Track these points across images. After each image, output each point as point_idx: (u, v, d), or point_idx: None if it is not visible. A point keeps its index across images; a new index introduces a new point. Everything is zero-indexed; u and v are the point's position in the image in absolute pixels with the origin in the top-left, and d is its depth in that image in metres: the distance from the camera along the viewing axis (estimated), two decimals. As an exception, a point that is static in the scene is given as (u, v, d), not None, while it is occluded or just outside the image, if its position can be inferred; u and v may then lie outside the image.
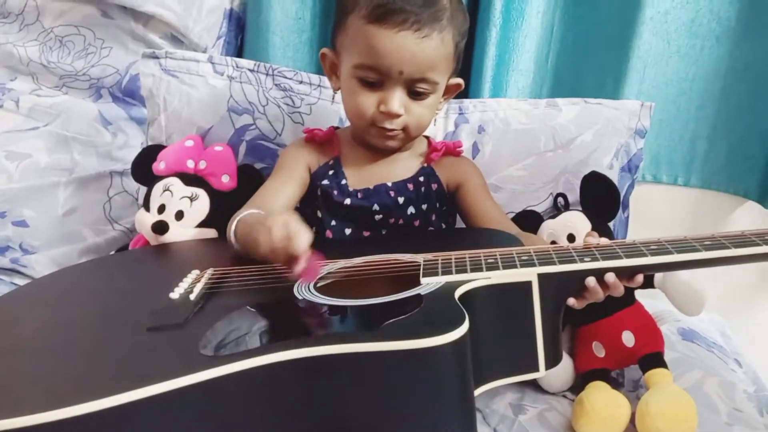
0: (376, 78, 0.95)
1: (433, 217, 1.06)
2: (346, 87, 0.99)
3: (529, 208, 1.22)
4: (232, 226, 0.94)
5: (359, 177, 1.05)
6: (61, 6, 1.40)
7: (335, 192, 1.02)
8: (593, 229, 1.06)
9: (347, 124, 1.12)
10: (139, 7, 1.36)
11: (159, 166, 1.13)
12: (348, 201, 1.02)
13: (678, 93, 1.44)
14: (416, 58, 0.92)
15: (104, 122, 1.39)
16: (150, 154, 1.16)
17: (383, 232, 1.04)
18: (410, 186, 1.04)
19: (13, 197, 1.31)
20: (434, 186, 1.06)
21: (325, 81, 1.25)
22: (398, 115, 0.96)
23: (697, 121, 1.45)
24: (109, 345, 0.69)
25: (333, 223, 1.03)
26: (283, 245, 0.76)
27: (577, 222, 1.08)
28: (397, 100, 0.95)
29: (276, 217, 0.79)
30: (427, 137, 1.14)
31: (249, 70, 1.24)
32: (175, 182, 1.11)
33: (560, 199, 1.19)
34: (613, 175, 1.20)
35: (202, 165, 1.13)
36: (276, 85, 1.24)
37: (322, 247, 0.92)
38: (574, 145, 1.22)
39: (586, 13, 1.43)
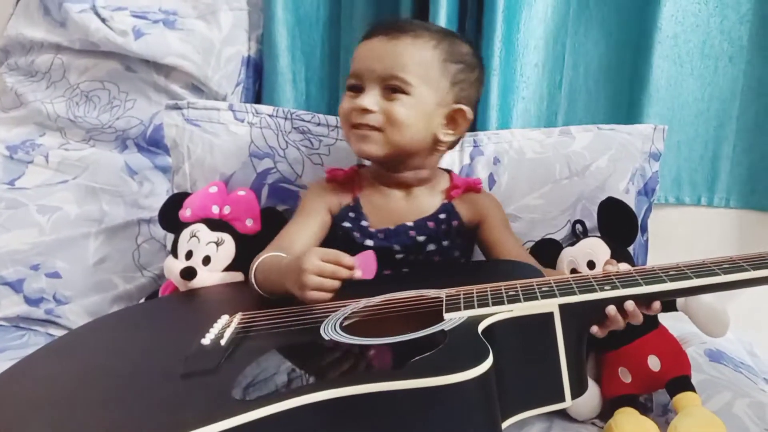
0: (355, 83, 1.02)
1: (456, 253, 1.07)
2: None
3: (547, 236, 1.23)
4: (253, 269, 0.96)
5: (380, 217, 1.06)
6: (86, 62, 1.45)
7: (357, 234, 1.04)
8: (613, 254, 1.06)
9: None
10: (161, 60, 1.41)
11: (185, 213, 1.16)
12: (370, 242, 1.03)
13: (695, 114, 1.44)
14: (384, 56, 1.00)
15: (130, 172, 1.43)
16: (176, 201, 1.19)
17: (403, 270, 1.05)
18: (431, 224, 1.05)
19: (46, 250, 1.35)
20: (455, 223, 1.07)
21: (342, 121, 1.28)
22: (368, 110, 0.99)
23: (717, 141, 1.46)
24: (143, 393, 0.70)
25: None
26: (337, 272, 0.83)
27: (596, 248, 1.09)
28: (369, 97, 1.00)
29: (309, 258, 0.84)
30: (449, 172, 1.16)
31: (268, 115, 1.27)
32: (201, 228, 1.13)
33: (578, 226, 1.20)
34: (630, 200, 1.21)
35: (227, 210, 1.15)
36: (295, 128, 1.27)
37: (343, 287, 0.95)
38: (589, 172, 1.23)
39: (597, 40, 1.44)
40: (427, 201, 1.09)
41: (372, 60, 1.00)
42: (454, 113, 1.05)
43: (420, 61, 1.00)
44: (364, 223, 1.05)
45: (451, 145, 1.10)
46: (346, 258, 0.84)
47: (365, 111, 0.99)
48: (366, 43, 1.03)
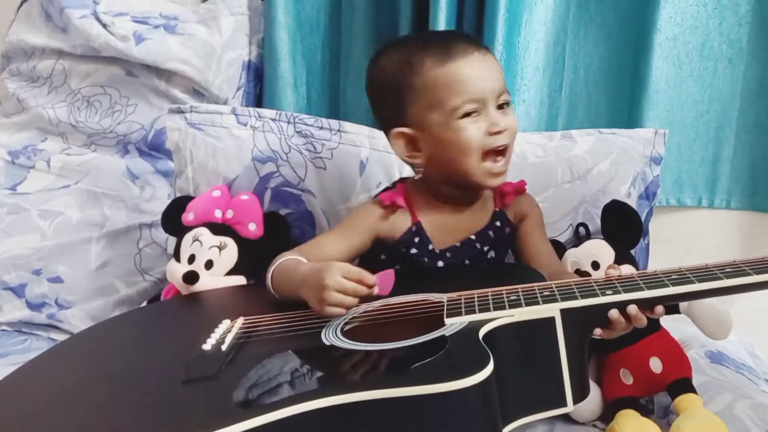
0: (477, 106, 0.94)
1: (507, 257, 1.08)
2: (450, 136, 0.96)
3: (551, 239, 1.23)
4: (271, 269, 0.95)
5: (443, 236, 1.03)
6: (87, 68, 1.46)
7: (426, 259, 1.02)
8: (616, 256, 1.07)
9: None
10: (162, 65, 1.41)
11: (188, 217, 1.16)
12: (441, 263, 1.02)
13: (695, 116, 1.45)
14: (496, 72, 0.97)
15: (132, 177, 1.43)
16: (179, 205, 1.19)
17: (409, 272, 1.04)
18: (491, 233, 1.05)
19: (48, 255, 1.35)
20: (508, 230, 1.06)
21: (345, 125, 1.28)
22: (504, 129, 0.95)
23: (717, 142, 1.46)
24: (145, 399, 0.71)
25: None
26: (359, 290, 0.82)
27: (600, 250, 1.09)
28: (498, 116, 0.95)
29: (331, 272, 0.83)
30: None
31: (271, 119, 1.27)
32: (203, 232, 1.13)
33: (581, 229, 1.20)
34: (631, 203, 1.21)
35: (230, 214, 1.15)
36: (297, 132, 1.27)
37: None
38: (591, 176, 1.23)
39: (597, 42, 1.45)
40: (482, 211, 1.07)
41: (490, 79, 0.95)
42: None
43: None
44: (430, 246, 1.02)
45: None
46: (368, 277, 0.83)
47: (503, 130, 0.95)
48: (466, 62, 0.94)
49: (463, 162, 0.96)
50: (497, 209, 1.07)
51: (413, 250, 1.02)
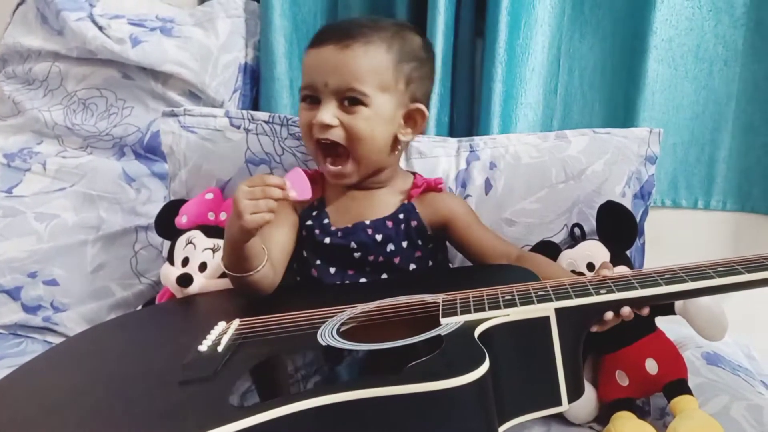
0: (310, 94, 1.00)
1: (417, 254, 1.06)
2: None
3: (545, 239, 1.23)
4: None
5: (341, 216, 1.06)
6: (83, 70, 1.46)
7: (317, 231, 1.04)
8: (611, 257, 1.07)
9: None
10: (158, 67, 1.41)
11: (181, 220, 1.16)
12: (328, 240, 1.04)
13: (690, 117, 1.45)
14: (338, 68, 0.97)
15: (128, 179, 1.43)
16: (172, 209, 1.19)
17: (367, 270, 1.04)
18: (389, 223, 1.05)
19: (43, 257, 1.35)
20: (414, 223, 1.05)
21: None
22: (327, 126, 0.98)
23: (713, 144, 1.46)
24: (141, 400, 0.71)
25: (318, 262, 1.05)
26: (267, 193, 0.85)
27: (595, 250, 1.09)
28: (327, 111, 0.98)
29: (239, 192, 0.86)
30: (414, 174, 1.15)
31: (264, 121, 1.27)
32: (197, 235, 1.13)
33: (576, 230, 1.20)
34: (626, 203, 1.21)
35: (223, 217, 1.16)
36: (291, 134, 1.27)
37: (338, 293, 0.94)
38: (585, 176, 1.23)
39: (592, 44, 1.45)
40: (387, 201, 1.08)
41: (325, 72, 0.98)
42: (412, 112, 1.05)
43: (375, 69, 0.99)
44: (325, 221, 1.05)
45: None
46: (271, 177, 0.86)
47: (326, 126, 0.98)
48: (316, 51, 1.00)
49: (306, 146, 1.06)
50: (406, 201, 1.08)
51: (308, 222, 1.06)
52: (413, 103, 1.05)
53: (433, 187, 1.10)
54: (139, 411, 0.68)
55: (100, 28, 1.41)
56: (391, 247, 1.04)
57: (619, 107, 1.44)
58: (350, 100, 0.98)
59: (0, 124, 1.50)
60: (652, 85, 1.41)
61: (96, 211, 1.40)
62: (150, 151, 1.45)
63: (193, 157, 1.26)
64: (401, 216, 1.06)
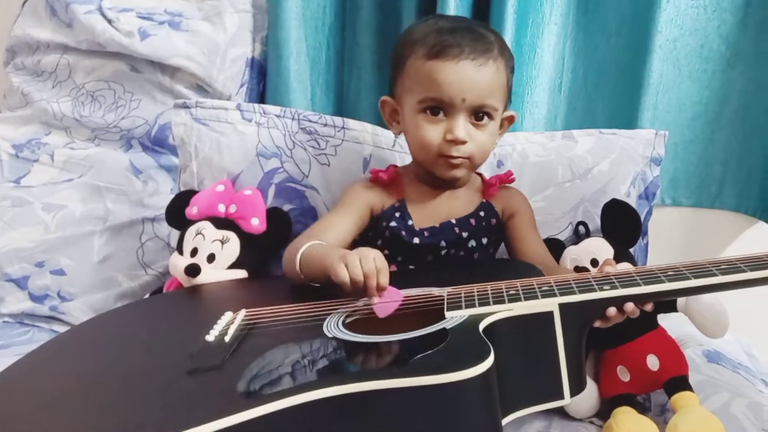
0: (440, 108, 1.00)
1: (491, 250, 1.10)
2: (411, 124, 1.04)
3: (551, 237, 1.24)
4: (299, 255, 0.96)
5: (424, 216, 1.08)
6: (92, 63, 1.46)
7: (404, 233, 1.05)
8: (615, 255, 1.08)
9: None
10: (166, 61, 1.42)
11: (191, 210, 1.17)
12: (417, 240, 1.05)
13: (693, 117, 1.46)
14: (476, 85, 0.98)
15: (135, 171, 1.44)
16: (183, 199, 1.20)
17: (410, 268, 1.06)
18: (473, 221, 1.08)
19: (51, 247, 1.36)
20: (493, 221, 1.10)
21: (348, 123, 1.29)
22: (464, 142, 1.00)
23: (714, 144, 1.47)
24: (149, 389, 0.71)
25: (399, 259, 1.07)
26: (371, 276, 0.82)
27: (599, 247, 1.11)
28: (462, 127, 0.99)
29: (365, 250, 0.85)
30: (479, 173, 1.17)
31: (276, 115, 1.28)
32: (206, 226, 1.14)
33: (581, 228, 1.21)
34: (631, 203, 1.22)
35: (233, 209, 1.16)
36: (302, 128, 1.28)
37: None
38: (591, 175, 1.24)
39: (597, 44, 1.46)
40: (467, 200, 1.11)
41: (463, 89, 0.98)
42: (505, 118, 1.09)
43: (501, 85, 1.02)
44: (410, 222, 1.06)
45: None
46: (385, 277, 0.84)
47: (462, 143, 1.00)
48: (451, 66, 0.98)
49: (419, 155, 1.06)
50: (484, 200, 1.11)
51: (393, 223, 1.06)
52: (507, 111, 1.08)
53: (505, 180, 1.15)
54: (147, 399, 0.69)
55: (109, 21, 1.42)
56: (472, 243, 1.07)
57: (623, 107, 1.44)
58: (482, 115, 1.01)
59: (9, 115, 1.51)
60: (656, 85, 1.41)
61: (103, 203, 1.41)
62: (157, 143, 1.45)
63: (204, 149, 1.26)
64: (482, 214, 1.09)
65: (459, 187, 1.11)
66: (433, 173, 1.06)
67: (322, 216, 1.21)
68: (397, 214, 1.07)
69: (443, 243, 1.05)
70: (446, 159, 1.02)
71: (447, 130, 1.00)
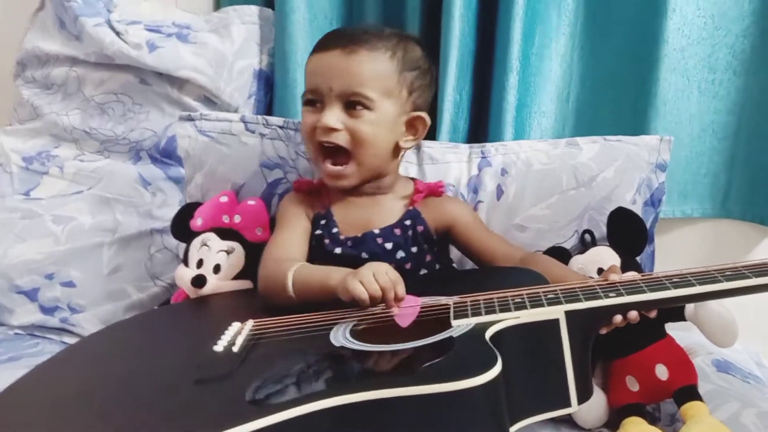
0: (314, 98, 1.02)
1: (427, 258, 1.08)
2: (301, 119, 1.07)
3: (556, 245, 1.24)
4: (289, 280, 0.95)
5: (349, 224, 1.08)
6: (101, 75, 1.47)
7: (327, 241, 1.06)
8: (621, 263, 1.07)
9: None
10: (174, 73, 1.43)
11: (196, 222, 1.18)
12: (338, 250, 1.05)
13: (700, 127, 1.45)
14: (343, 72, 1.00)
15: (144, 183, 1.44)
16: (187, 211, 1.21)
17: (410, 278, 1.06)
18: (397, 231, 1.07)
19: (60, 259, 1.37)
20: (420, 228, 1.07)
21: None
22: (332, 129, 1.00)
23: (721, 153, 1.46)
24: (158, 399, 0.72)
25: None
26: (388, 290, 0.83)
27: (606, 256, 1.10)
28: (332, 114, 1.00)
29: (376, 265, 0.85)
30: (413, 180, 1.17)
31: (279, 126, 1.29)
32: (211, 237, 1.15)
33: (587, 236, 1.21)
34: (637, 210, 1.21)
35: (237, 219, 1.17)
36: (305, 139, 1.29)
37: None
38: (596, 183, 1.24)
39: (605, 53, 1.45)
40: (392, 207, 1.11)
41: (330, 76, 1.00)
42: (414, 120, 1.08)
43: (379, 75, 1.02)
44: (334, 230, 1.07)
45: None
46: (401, 288, 0.85)
47: (331, 130, 1.00)
48: (321, 56, 1.02)
49: (307, 149, 1.07)
50: (411, 207, 1.10)
51: (318, 231, 1.07)
52: (415, 111, 1.07)
53: (434, 191, 1.13)
54: (156, 409, 0.69)
55: (118, 34, 1.43)
56: (401, 253, 1.06)
57: (631, 117, 1.43)
58: (354, 104, 1.00)
59: (19, 127, 1.52)
60: (663, 95, 1.40)
61: (112, 214, 1.41)
62: (166, 155, 1.46)
63: (209, 160, 1.27)
64: (408, 222, 1.08)
65: (384, 193, 1.11)
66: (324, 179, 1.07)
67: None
68: (322, 222, 1.08)
69: (364, 254, 1.04)
70: (323, 163, 1.04)
71: (318, 119, 1.01)
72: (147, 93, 1.47)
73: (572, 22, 1.43)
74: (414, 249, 1.06)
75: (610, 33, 1.44)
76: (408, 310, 0.85)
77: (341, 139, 1.01)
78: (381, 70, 1.02)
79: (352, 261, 1.02)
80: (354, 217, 1.09)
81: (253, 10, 1.51)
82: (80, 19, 1.43)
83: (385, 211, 1.10)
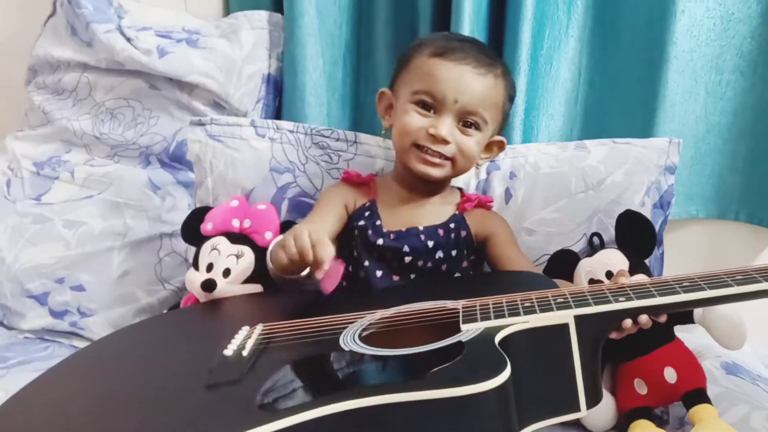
0: (432, 105, 1.03)
1: (463, 264, 1.10)
2: (401, 111, 1.07)
3: (564, 248, 1.24)
4: (268, 253, 1.01)
5: (393, 219, 1.10)
6: (111, 81, 1.48)
7: (370, 232, 1.08)
8: (630, 266, 1.08)
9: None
10: (184, 78, 1.43)
11: (206, 226, 1.18)
12: (381, 241, 1.07)
13: (707, 129, 1.44)
14: (472, 90, 1.02)
15: (153, 187, 1.45)
16: (198, 215, 1.22)
17: (413, 277, 1.07)
18: (441, 231, 1.09)
19: (71, 263, 1.38)
20: (463, 233, 1.10)
21: (361, 137, 1.31)
22: (445, 140, 1.02)
23: (729, 155, 1.46)
24: (169, 403, 0.72)
25: (366, 263, 1.08)
26: (305, 251, 0.86)
27: (614, 259, 1.10)
28: (447, 126, 1.02)
29: (301, 226, 0.89)
30: (460, 189, 1.19)
31: (289, 131, 1.30)
32: (221, 241, 1.15)
33: (595, 239, 1.21)
34: (646, 213, 1.21)
35: (247, 224, 1.18)
36: (314, 143, 1.30)
37: (362, 298, 0.96)
38: (604, 185, 1.24)
39: (614, 56, 1.45)
40: (439, 210, 1.13)
41: (459, 90, 1.02)
42: (495, 143, 1.13)
43: (495, 102, 1.06)
44: (378, 222, 1.09)
45: None
46: (322, 249, 0.87)
47: (443, 141, 1.03)
48: (451, 66, 1.03)
49: (398, 142, 1.08)
50: (457, 213, 1.12)
51: (361, 222, 1.09)
52: (497, 135, 1.12)
53: (484, 203, 1.17)
54: (165, 415, 0.69)
55: (128, 40, 1.44)
56: (440, 254, 1.08)
57: (640, 119, 1.43)
58: (470, 122, 1.04)
59: (30, 133, 1.53)
60: (672, 96, 1.40)
61: (122, 219, 1.42)
62: (175, 159, 1.47)
63: (219, 165, 1.28)
64: (452, 225, 1.10)
65: (433, 195, 1.14)
66: (407, 167, 1.08)
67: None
68: (367, 213, 1.10)
69: (406, 248, 1.06)
70: (419, 151, 1.05)
71: (432, 125, 1.03)
72: (157, 98, 1.48)
73: (581, 25, 1.43)
74: (454, 252, 1.09)
75: (619, 35, 1.44)
76: (331, 272, 0.88)
77: (448, 150, 1.04)
78: (497, 97, 1.06)
79: (394, 253, 1.06)
80: (399, 213, 1.12)
81: (263, 15, 1.52)
82: (91, 26, 1.44)
83: (430, 211, 1.13)
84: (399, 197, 1.14)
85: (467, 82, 1.02)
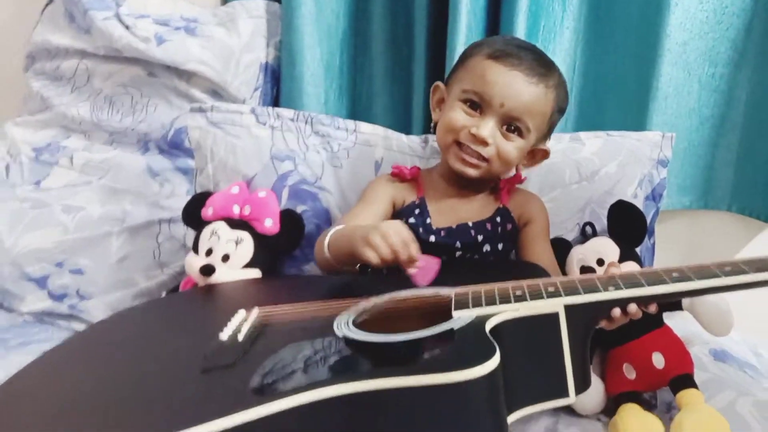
0: (479, 105, 1.03)
1: (511, 255, 1.12)
2: (448, 107, 1.08)
3: (558, 237, 1.25)
4: (326, 239, 1.00)
5: (442, 216, 1.11)
6: (110, 68, 1.49)
7: (421, 230, 1.08)
8: (621, 254, 1.09)
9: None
10: (182, 66, 1.44)
11: (207, 211, 1.19)
12: (433, 239, 1.07)
13: (700, 121, 1.46)
14: (520, 96, 1.01)
15: (152, 174, 1.46)
16: (199, 200, 1.23)
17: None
18: (489, 226, 1.10)
19: (70, 248, 1.39)
20: (509, 226, 1.12)
21: (361, 126, 1.32)
22: (485, 142, 1.03)
23: (722, 147, 1.47)
24: (163, 387, 0.73)
25: None
26: (399, 248, 0.85)
27: (606, 247, 1.12)
28: (490, 128, 1.02)
29: (384, 226, 0.88)
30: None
31: (289, 119, 1.31)
32: (221, 227, 1.16)
33: (588, 228, 1.23)
34: (638, 204, 1.22)
35: (247, 210, 1.19)
36: (315, 132, 1.30)
37: (359, 283, 0.96)
38: (598, 177, 1.25)
39: (608, 48, 1.46)
40: (485, 204, 1.14)
41: (507, 95, 1.01)
42: (539, 151, 1.12)
43: (542, 112, 1.05)
44: (428, 220, 1.10)
45: None
46: (414, 247, 0.87)
47: (483, 142, 1.03)
48: (503, 70, 1.02)
49: (441, 138, 1.08)
50: (501, 206, 1.13)
51: (411, 220, 1.09)
52: (540, 143, 1.11)
53: (515, 181, 1.17)
54: (160, 398, 0.70)
55: (127, 27, 1.44)
56: (487, 247, 1.09)
57: (633, 111, 1.44)
58: (513, 128, 1.04)
59: (29, 119, 1.54)
60: (665, 89, 1.41)
61: (121, 204, 1.43)
62: (173, 146, 1.47)
63: (220, 152, 1.29)
64: (498, 219, 1.11)
65: (479, 192, 1.14)
66: (449, 164, 1.08)
67: (338, 214, 1.25)
68: (417, 211, 1.11)
69: (458, 244, 1.07)
70: (459, 149, 1.05)
71: (475, 124, 1.03)
72: (155, 85, 1.48)
73: (576, 17, 1.44)
74: (500, 245, 1.10)
75: (614, 28, 1.45)
76: (425, 268, 0.87)
77: (487, 152, 1.04)
78: (544, 108, 1.05)
79: (447, 250, 1.07)
80: (447, 209, 1.12)
81: (260, 3, 1.53)
82: (90, 13, 1.45)
83: (477, 206, 1.14)
84: (446, 193, 1.14)
85: (517, 88, 1.02)
